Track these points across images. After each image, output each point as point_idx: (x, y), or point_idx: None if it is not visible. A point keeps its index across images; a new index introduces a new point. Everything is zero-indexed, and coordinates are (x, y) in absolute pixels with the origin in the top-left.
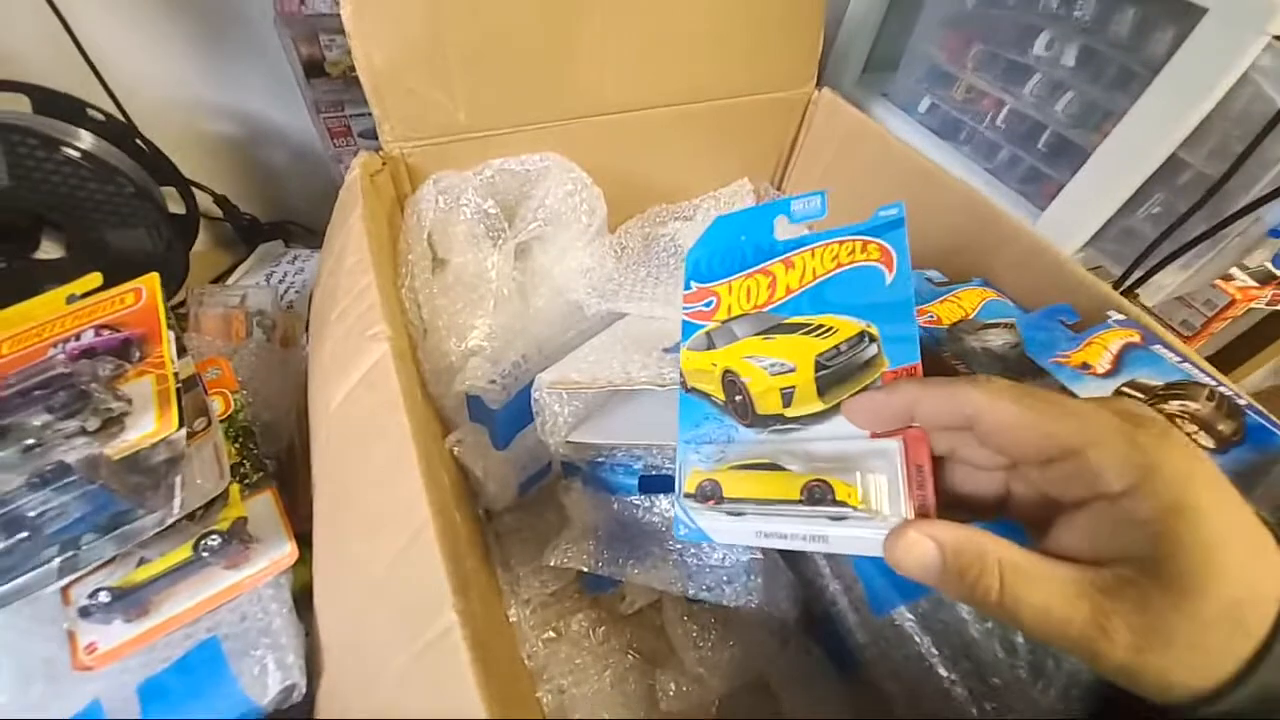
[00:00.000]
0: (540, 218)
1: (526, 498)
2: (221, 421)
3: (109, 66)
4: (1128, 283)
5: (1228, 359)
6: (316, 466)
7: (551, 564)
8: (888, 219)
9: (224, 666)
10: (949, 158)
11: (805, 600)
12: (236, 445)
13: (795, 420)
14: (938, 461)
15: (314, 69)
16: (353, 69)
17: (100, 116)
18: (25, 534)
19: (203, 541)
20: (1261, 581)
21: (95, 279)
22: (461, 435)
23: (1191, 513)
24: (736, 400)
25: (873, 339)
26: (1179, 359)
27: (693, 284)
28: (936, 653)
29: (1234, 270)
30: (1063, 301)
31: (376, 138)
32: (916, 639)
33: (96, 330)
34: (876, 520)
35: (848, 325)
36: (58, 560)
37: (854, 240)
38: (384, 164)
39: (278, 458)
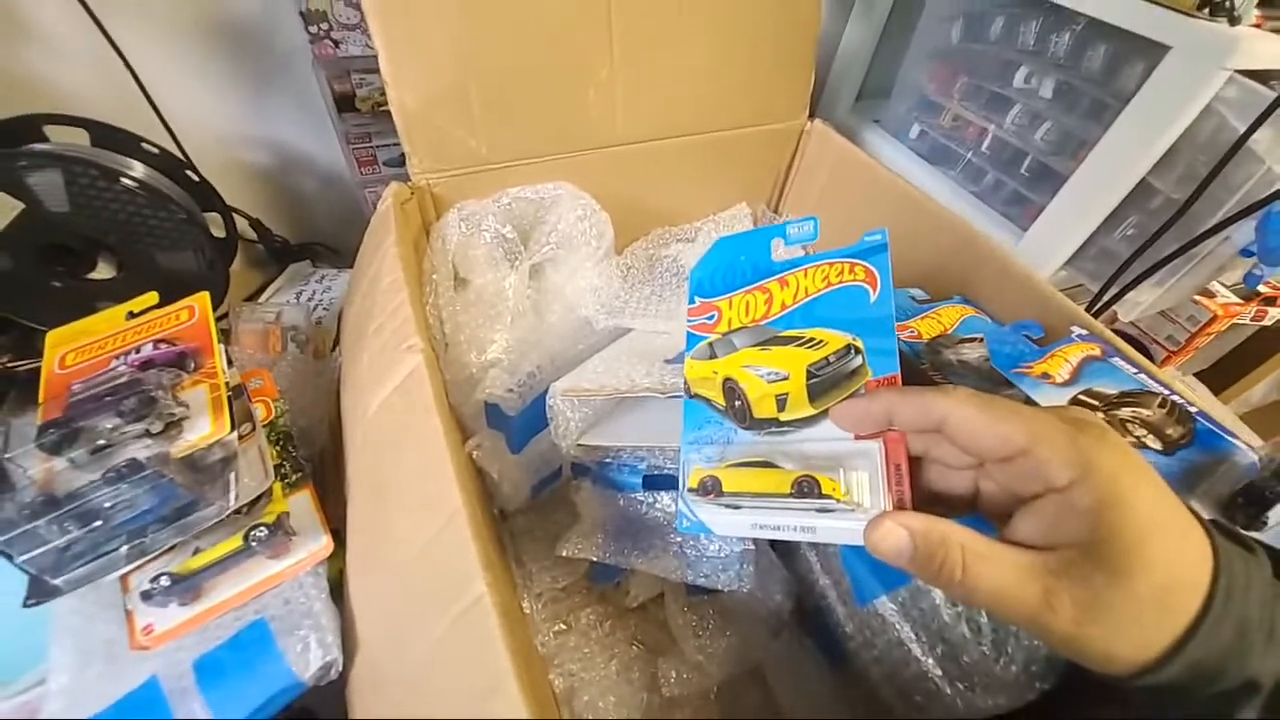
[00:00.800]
0: (553, 241)
1: (538, 500)
2: (264, 426)
3: (160, 104)
4: (1104, 299)
5: (1224, 374)
6: (352, 465)
7: (564, 554)
8: (872, 243)
9: (272, 644)
10: (939, 182)
11: (798, 595)
12: (278, 448)
13: (788, 424)
14: (915, 461)
15: (345, 104)
16: (380, 104)
17: (153, 149)
18: (98, 523)
19: (252, 532)
20: (1188, 569)
21: (152, 298)
22: (479, 440)
23: (1123, 505)
24: (736, 405)
25: (858, 351)
26: (1135, 370)
27: (696, 299)
28: (914, 637)
29: (1217, 287)
30: (1034, 317)
31: (400, 165)
32: (897, 626)
33: (155, 344)
34: (858, 512)
35: (835, 338)
36: (125, 548)
37: (842, 262)
38: (412, 193)
39: (311, 460)
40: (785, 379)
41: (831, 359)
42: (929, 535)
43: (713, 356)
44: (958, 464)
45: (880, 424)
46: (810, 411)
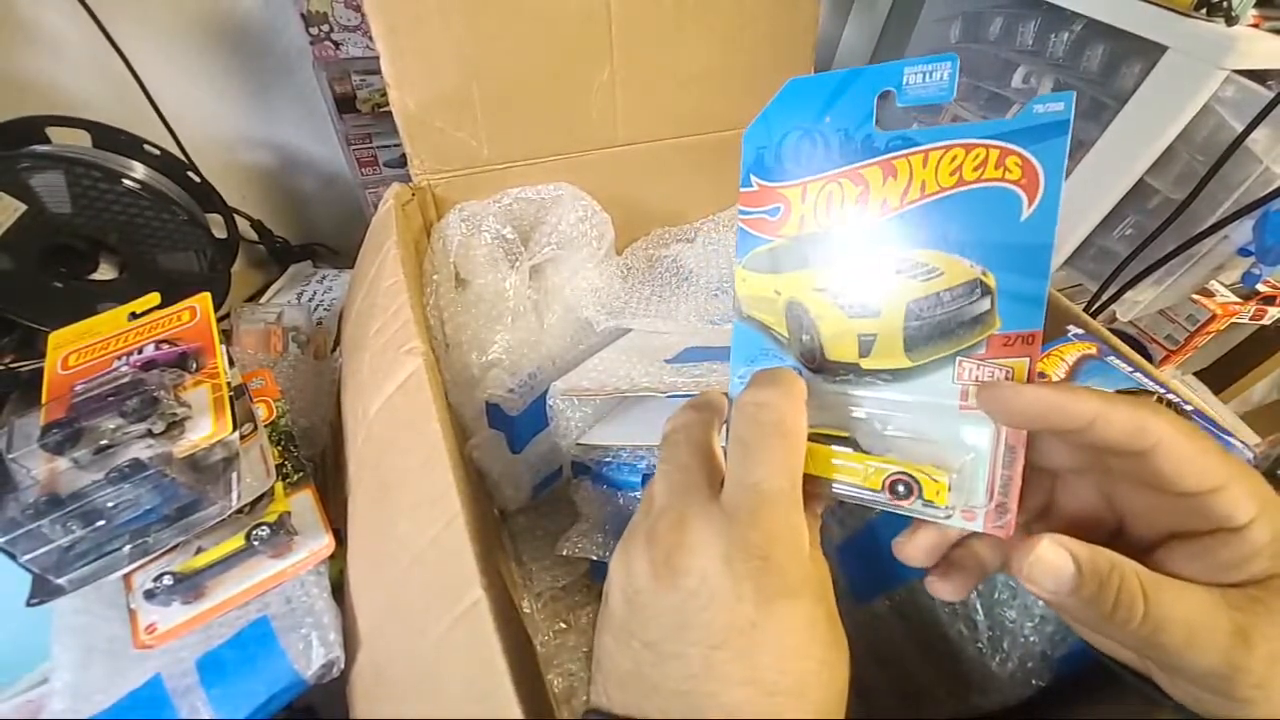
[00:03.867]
0: (553, 241)
1: (539, 499)
2: (265, 426)
3: (162, 105)
4: (1103, 298)
5: (1224, 373)
6: (353, 465)
7: (564, 553)
8: (1046, 118)
9: (275, 642)
10: None
11: None
12: (279, 448)
13: (871, 373)
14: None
15: (346, 105)
16: (381, 105)
17: (155, 151)
18: (101, 523)
19: (254, 532)
20: None
21: (154, 298)
22: (480, 440)
23: None
24: (803, 340)
25: (987, 290)
26: (1131, 369)
27: (753, 180)
28: (910, 636)
29: (1216, 286)
30: None
31: (401, 166)
32: (893, 626)
33: (157, 344)
34: (955, 510)
35: (957, 269)
36: (128, 548)
37: (987, 146)
38: (413, 194)
39: (312, 460)
40: (875, 316)
41: (945, 297)
42: (1096, 561)
43: (775, 270)
44: (1050, 465)
45: (1060, 427)
46: (904, 364)
